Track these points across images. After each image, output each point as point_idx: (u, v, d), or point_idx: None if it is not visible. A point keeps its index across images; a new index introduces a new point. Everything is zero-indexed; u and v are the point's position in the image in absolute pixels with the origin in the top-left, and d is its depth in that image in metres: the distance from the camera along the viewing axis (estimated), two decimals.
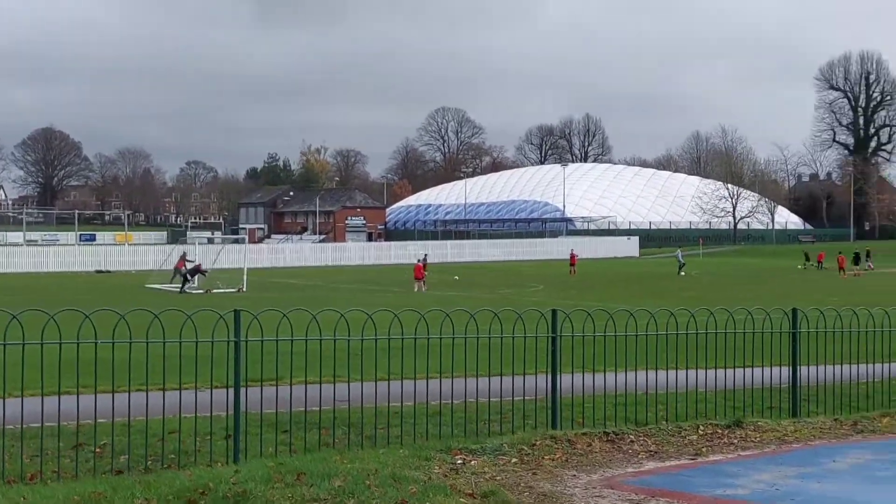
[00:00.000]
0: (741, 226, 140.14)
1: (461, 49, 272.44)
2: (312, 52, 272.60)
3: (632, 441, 11.25)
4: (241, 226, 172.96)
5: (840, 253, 76.61)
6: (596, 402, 13.36)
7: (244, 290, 54.01)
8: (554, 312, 12.17)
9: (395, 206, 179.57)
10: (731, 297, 47.12)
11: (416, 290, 53.78)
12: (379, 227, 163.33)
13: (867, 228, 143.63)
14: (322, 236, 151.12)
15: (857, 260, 73.02)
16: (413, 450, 10.39)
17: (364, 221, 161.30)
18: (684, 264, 74.05)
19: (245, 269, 57.90)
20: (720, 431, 11.90)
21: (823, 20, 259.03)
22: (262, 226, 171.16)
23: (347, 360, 11.27)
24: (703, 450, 11.06)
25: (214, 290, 53.70)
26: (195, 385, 10.80)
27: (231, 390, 10.81)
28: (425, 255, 71.32)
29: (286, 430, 11.83)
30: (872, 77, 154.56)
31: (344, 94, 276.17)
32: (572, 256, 76.94)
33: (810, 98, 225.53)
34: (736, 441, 11.51)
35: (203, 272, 56.28)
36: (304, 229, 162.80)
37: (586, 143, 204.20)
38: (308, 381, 11.86)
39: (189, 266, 56.43)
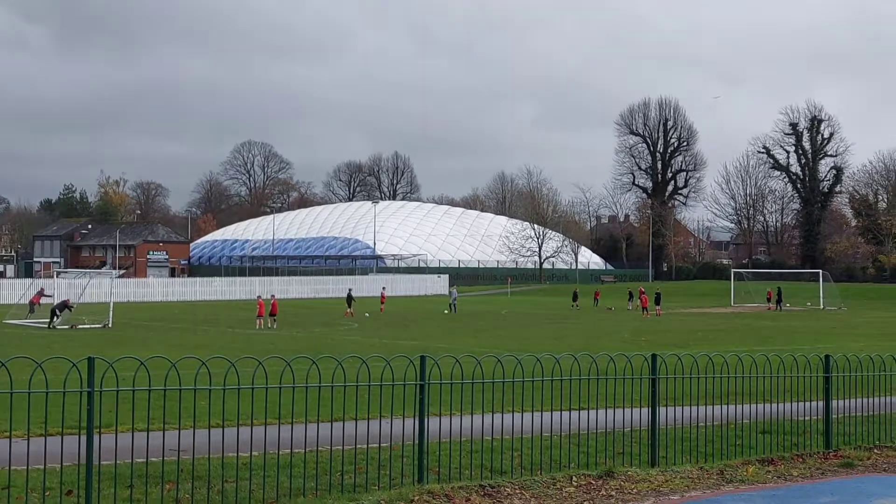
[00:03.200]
0: (546, 265, 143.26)
1: (268, 83, 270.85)
2: (110, 82, 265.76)
3: (510, 494, 10.84)
4: (35, 259, 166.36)
5: (643, 293, 78.89)
6: (452, 448, 12.91)
7: (110, 325, 52.64)
8: (422, 359, 11.71)
9: (199, 240, 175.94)
10: (543, 335, 47.85)
11: (257, 326, 52.57)
12: (182, 262, 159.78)
13: (665, 269, 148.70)
14: (121, 271, 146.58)
15: (657, 300, 75.32)
16: None
17: (167, 256, 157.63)
18: (454, 304, 74.98)
19: (111, 305, 56.18)
20: (594, 482, 11.62)
21: (623, 67, 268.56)
22: (58, 259, 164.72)
23: (195, 405, 10.53)
24: (585, 503, 10.76)
25: (80, 326, 52.05)
26: (45, 433, 9.82)
27: (81, 439, 9.89)
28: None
29: (129, 484, 10.99)
30: (670, 123, 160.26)
31: (144, 125, 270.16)
32: (382, 295, 77.06)
33: (611, 142, 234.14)
34: (614, 493, 11.25)
35: (70, 307, 54.11)
36: (104, 263, 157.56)
37: (395, 181, 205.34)
38: (146, 429, 11.06)
39: (45, 300, 55.85)
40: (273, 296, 60.01)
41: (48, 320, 52.88)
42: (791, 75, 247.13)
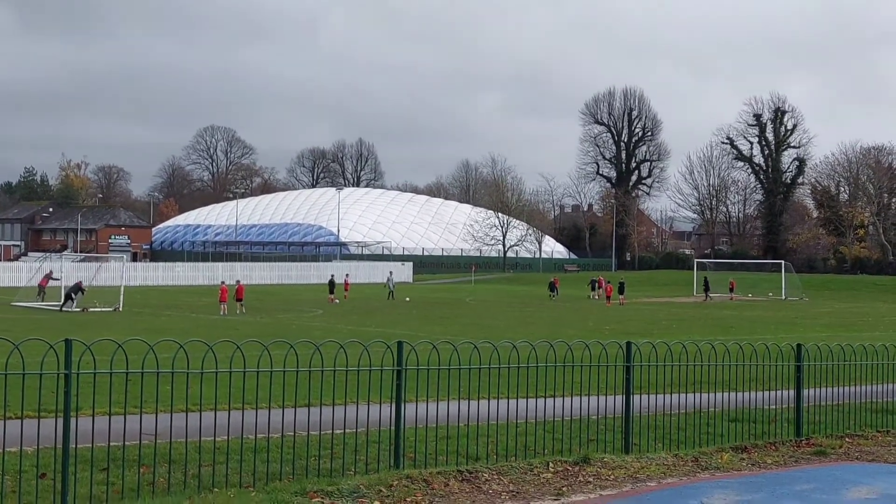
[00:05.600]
0: (510, 254, 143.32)
1: (232, 67, 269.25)
2: (73, 65, 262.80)
3: (487, 480, 10.84)
4: None
5: (608, 282, 79.43)
6: (427, 434, 12.89)
7: (120, 308, 53.32)
8: (400, 345, 11.69)
9: (161, 225, 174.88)
10: (509, 323, 48.02)
11: (221, 312, 52.46)
12: (144, 246, 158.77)
13: (628, 259, 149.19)
14: (83, 255, 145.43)
15: (621, 289, 75.78)
16: (265, 493, 9.66)
17: (129, 241, 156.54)
18: (393, 290, 75.08)
19: (122, 288, 56.83)
20: (571, 468, 11.65)
21: (592, 55, 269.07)
22: (18, 243, 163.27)
23: (172, 389, 10.45)
24: (564, 489, 10.75)
25: (91, 309, 52.62)
26: (21, 415, 9.71)
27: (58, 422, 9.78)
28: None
29: (104, 467, 10.90)
30: (635, 113, 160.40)
31: (106, 108, 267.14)
32: (346, 282, 76.86)
33: (576, 131, 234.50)
34: (591, 479, 11.27)
35: (82, 290, 54.26)
36: (65, 247, 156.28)
37: (359, 168, 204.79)
38: (122, 413, 10.96)
39: (52, 283, 57.47)
40: (238, 281, 60.08)
41: (60, 303, 53.62)
42: (757, 66, 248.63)
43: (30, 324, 42.43)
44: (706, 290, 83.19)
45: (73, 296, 53.32)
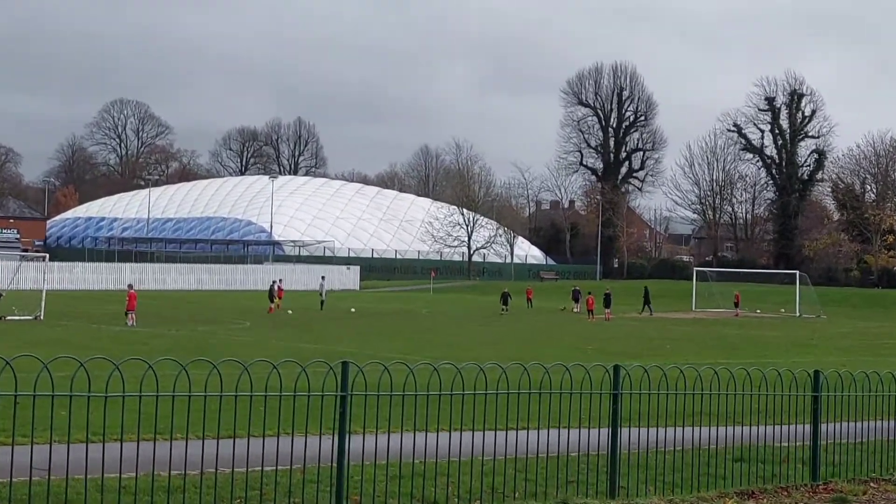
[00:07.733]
0: (476, 257, 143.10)
1: (147, 31, 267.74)
2: None
3: None
4: None
5: (589, 293, 79.62)
6: (376, 472, 12.87)
7: (41, 317, 53.66)
8: (345, 366, 11.66)
9: (58, 217, 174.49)
10: (472, 341, 48.19)
11: (129, 323, 52.07)
12: (37, 242, 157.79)
13: (615, 266, 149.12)
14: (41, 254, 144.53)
15: (607, 302, 75.80)
16: None
17: (18, 235, 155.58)
18: (324, 299, 75.85)
19: (44, 294, 56.49)
20: None
21: (575, 23, 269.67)
22: None
23: (70, 415, 10.36)
24: None
25: (10, 318, 52.81)
26: None
27: None
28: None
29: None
30: (626, 93, 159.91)
31: None
32: (279, 289, 76.84)
33: (556, 113, 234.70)
34: None
35: (1, 294, 54.70)
36: None
37: (297, 153, 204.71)
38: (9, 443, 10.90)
39: None
40: (130, 286, 59.30)
41: None
42: (774, 39, 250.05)
43: None
44: (646, 302, 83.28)
45: None
